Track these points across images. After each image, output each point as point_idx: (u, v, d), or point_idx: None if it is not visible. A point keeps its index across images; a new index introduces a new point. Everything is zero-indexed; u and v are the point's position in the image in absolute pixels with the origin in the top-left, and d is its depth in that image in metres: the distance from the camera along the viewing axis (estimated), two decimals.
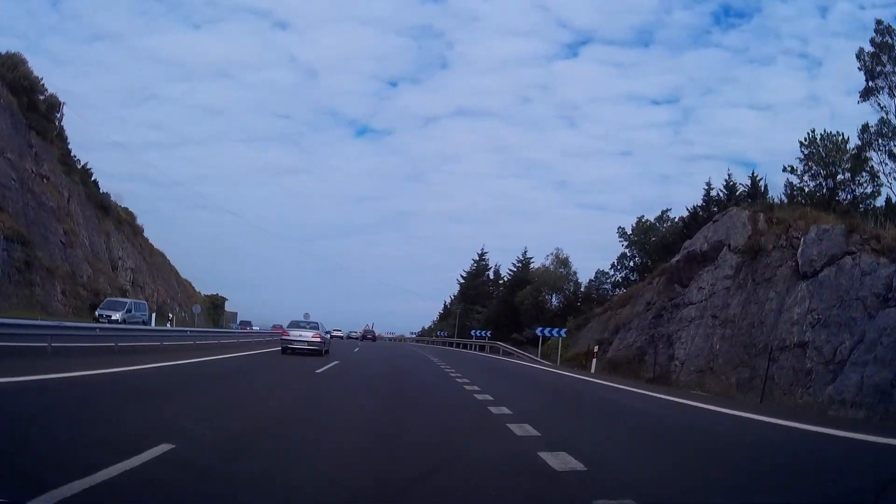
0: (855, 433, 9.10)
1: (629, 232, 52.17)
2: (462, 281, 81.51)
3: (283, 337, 25.74)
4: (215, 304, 71.16)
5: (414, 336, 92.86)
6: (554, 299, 57.36)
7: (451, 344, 61.38)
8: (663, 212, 51.86)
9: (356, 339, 66.81)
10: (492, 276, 79.31)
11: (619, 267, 53.31)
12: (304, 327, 25.82)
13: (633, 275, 49.26)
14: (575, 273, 58.56)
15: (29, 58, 41.40)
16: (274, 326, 51.54)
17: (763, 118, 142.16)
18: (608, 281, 54.44)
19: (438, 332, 77.17)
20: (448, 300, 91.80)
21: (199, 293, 68.56)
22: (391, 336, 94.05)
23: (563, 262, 58.60)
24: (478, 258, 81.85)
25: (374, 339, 68.37)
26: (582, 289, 57.07)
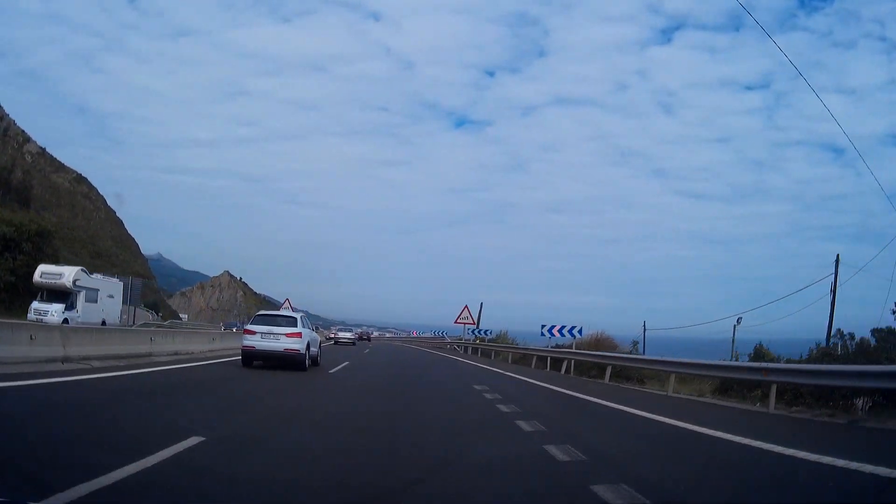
0: None
1: None
2: None
3: (333, 336, 49.87)
4: None
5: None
6: None
7: None
8: None
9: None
10: None
11: None
12: (345, 330, 55.86)
13: None
14: None
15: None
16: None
17: (849, 102, 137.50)
18: None
19: None
20: None
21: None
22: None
23: None
24: None
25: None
26: None
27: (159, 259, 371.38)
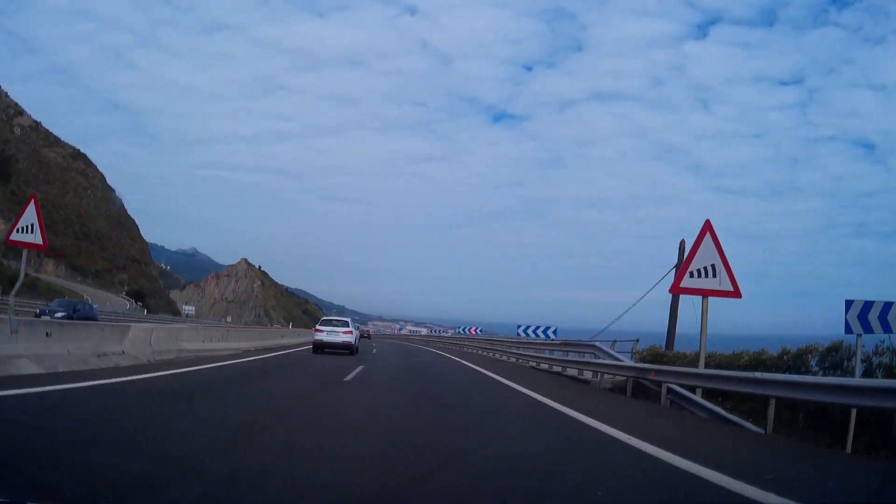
0: None
1: None
2: None
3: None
4: None
5: None
6: None
7: None
8: None
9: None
10: None
11: None
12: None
13: None
14: None
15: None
16: None
17: (879, 98, 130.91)
18: None
19: None
20: None
21: None
22: None
23: None
24: None
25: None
26: None
27: (194, 254, 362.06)
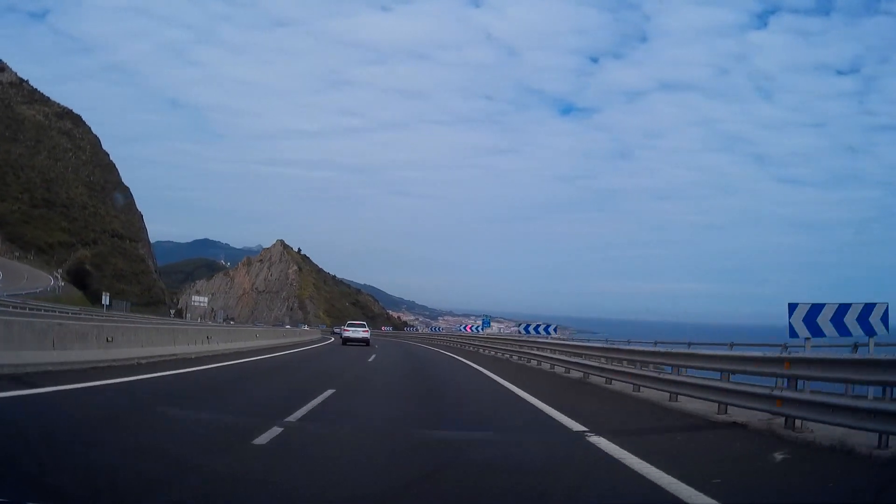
0: None
1: None
2: None
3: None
4: None
5: None
6: None
7: None
8: None
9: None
10: None
11: None
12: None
13: None
14: None
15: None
16: None
17: None
18: None
19: None
20: None
21: None
22: None
23: None
24: None
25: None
26: None
27: (259, 251, 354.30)
